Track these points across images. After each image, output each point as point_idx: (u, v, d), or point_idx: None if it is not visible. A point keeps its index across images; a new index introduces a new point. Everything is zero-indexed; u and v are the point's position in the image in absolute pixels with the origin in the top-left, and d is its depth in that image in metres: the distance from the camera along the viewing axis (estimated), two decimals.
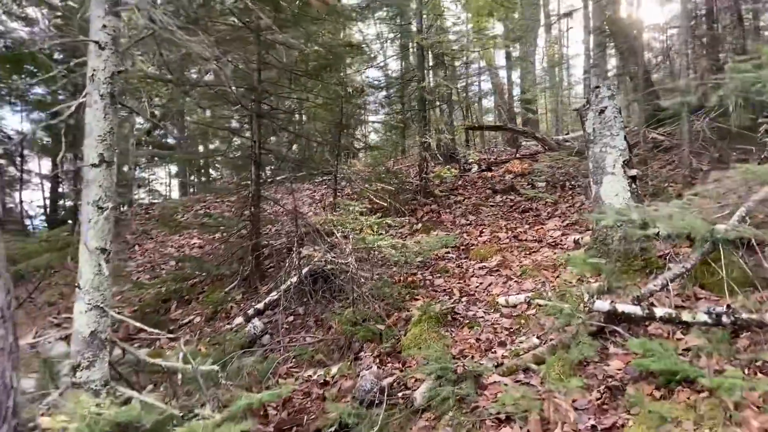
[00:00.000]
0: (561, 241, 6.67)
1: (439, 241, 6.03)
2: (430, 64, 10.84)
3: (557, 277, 5.52)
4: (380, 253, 5.93)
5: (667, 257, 5.23)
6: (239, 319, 6.64)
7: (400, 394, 4.24)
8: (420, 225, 8.57)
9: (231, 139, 8.03)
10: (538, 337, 4.56)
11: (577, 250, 6.09)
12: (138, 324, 3.83)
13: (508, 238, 7.22)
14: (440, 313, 5.16)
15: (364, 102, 10.55)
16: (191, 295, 7.53)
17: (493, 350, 4.58)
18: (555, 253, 6.20)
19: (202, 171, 17.90)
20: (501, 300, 5.34)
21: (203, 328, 6.71)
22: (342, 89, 7.93)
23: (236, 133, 7.76)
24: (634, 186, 5.40)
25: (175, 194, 20.15)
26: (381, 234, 5.52)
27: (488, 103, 29.21)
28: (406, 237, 8.17)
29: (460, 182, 11.04)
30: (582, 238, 6.42)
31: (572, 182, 9.62)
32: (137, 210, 12.99)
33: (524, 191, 9.58)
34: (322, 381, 4.97)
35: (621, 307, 4.30)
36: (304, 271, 6.68)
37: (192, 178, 17.12)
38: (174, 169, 21.02)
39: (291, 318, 6.47)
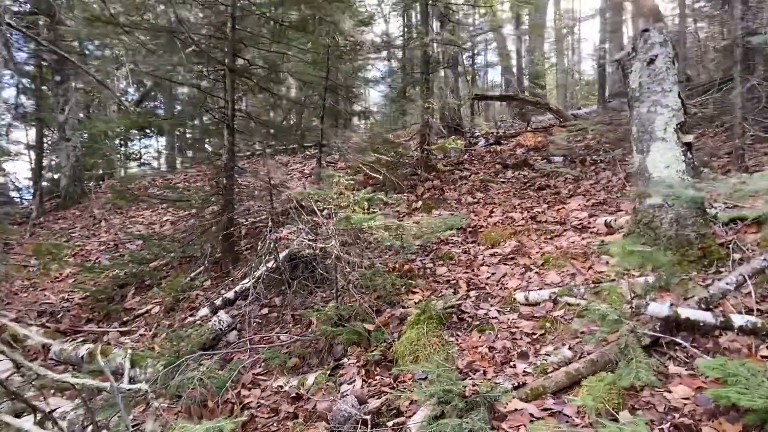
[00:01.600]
0: (588, 223, 5.58)
1: (443, 222, 4.94)
2: (434, 20, 9.63)
3: (589, 268, 4.44)
4: (371, 235, 4.85)
5: (731, 246, 4.15)
6: (204, 311, 5.60)
7: (390, 424, 3.20)
8: (420, 203, 7.48)
9: (202, 100, 6.90)
10: (570, 348, 3.50)
11: (611, 236, 5.00)
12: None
13: (523, 219, 6.13)
14: (443, 311, 4.10)
15: (360, 65, 9.38)
16: (153, 280, 6.47)
17: (511, 363, 3.53)
18: (583, 239, 5.12)
19: (190, 142, 16.76)
20: (519, 296, 4.27)
21: (161, 321, 5.67)
22: (332, 42, 6.78)
23: (200, 88, 6.63)
24: (689, 156, 4.29)
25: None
26: (374, 212, 4.45)
27: (494, 76, 27.99)
28: (403, 216, 7.10)
29: (465, 156, 9.91)
30: (615, 221, 5.33)
31: (594, 157, 8.50)
32: (115, 184, 11.89)
33: (540, 166, 8.47)
34: (294, 394, 3.94)
35: (685, 313, 3.23)
36: (282, 255, 5.62)
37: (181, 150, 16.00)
38: (164, 142, 19.96)
39: (265, 311, 5.43)
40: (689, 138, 4.28)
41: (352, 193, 4.59)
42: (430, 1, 9.07)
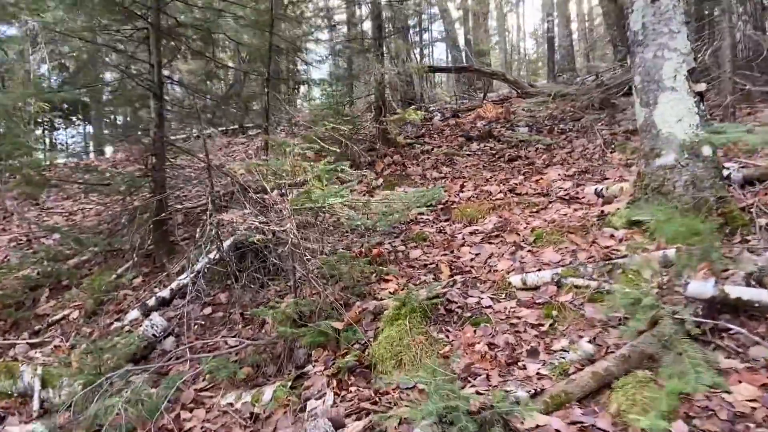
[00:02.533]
0: (576, 194, 4.97)
1: (415, 198, 4.19)
2: None
3: (592, 243, 3.80)
4: (333, 216, 4.06)
5: (753, 210, 3.59)
6: (134, 314, 4.68)
7: None
8: (381, 180, 6.72)
9: (124, 66, 5.87)
10: (591, 342, 2.84)
11: (608, 204, 4.38)
12: None
13: (501, 192, 5.47)
14: (427, 302, 3.37)
15: (305, 31, 8.46)
16: (72, 279, 5.47)
17: (519, 364, 2.84)
18: (576, 211, 4.49)
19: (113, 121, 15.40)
20: (514, 279, 3.58)
21: (81, 328, 4.71)
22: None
23: (115, 49, 5.61)
24: (702, 107, 3.69)
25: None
26: (335, 188, 3.66)
27: (438, 53, 27.42)
28: (364, 195, 6.33)
29: (423, 130, 9.20)
30: (606, 189, 4.73)
31: (562, 125, 7.95)
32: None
33: (507, 138, 7.85)
34: (248, 414, 3.15)
35: (735, 292, 2.62)
36: (227, 243, 4.76)
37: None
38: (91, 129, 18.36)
39: (208, 310, 4.57)
40: (702, 87, 3.68)
41: (309, 165, 3.78)
42: None
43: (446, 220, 5.17)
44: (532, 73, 32.87)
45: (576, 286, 3.32)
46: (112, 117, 15.43)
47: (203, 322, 4.45)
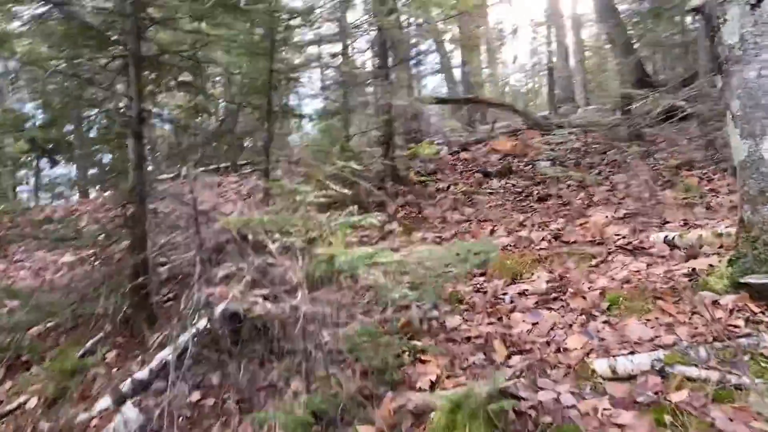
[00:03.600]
0: (640, 243, 4.14)
1: (463, 254, 3.35)
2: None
3: (693, 313, 2.96)
4: (358, 281, 3.22)
5: None
6: (105, 402, 3.76)
7: None
8: (395, 224, 5.89)
9: (102, 100, 5.07)
10: None
11: (694, 259, 3.56)
12: None
13: (544, 239, 4.64)
14: (490, 402, 2.50)
15: (305, 61, 7.74)
16: (34, 355, 4.54)
17: None
18: (649, 265, 3.66)
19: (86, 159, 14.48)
20: (599, 365, 2.72)
21: (38, 421, 3.78)
22: (276, 21, 5.14)
23: (92, 82, 4.81)
24: None
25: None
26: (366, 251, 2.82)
27: (432, 85, 27.00)
28: (377, 242, 5.50)
29: (433, 166, 8.43)
30: (679, 236, 3.92)
31: (589, 160, 7.20)
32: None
33: (528, 173, 7.09)
34: None
35: None
36: (219, 309, 3.89)
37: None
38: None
39: (196, 396, 3.66)
40: None
41: (328, 217, 2.96)
42: None
43: (482, 275, 4.33)
44: (526, 105, 32.60)
45: (689, 378, 2.47)
46: (98, 157, 14.58)
47: (190, 414, 3.54)
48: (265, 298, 3.07)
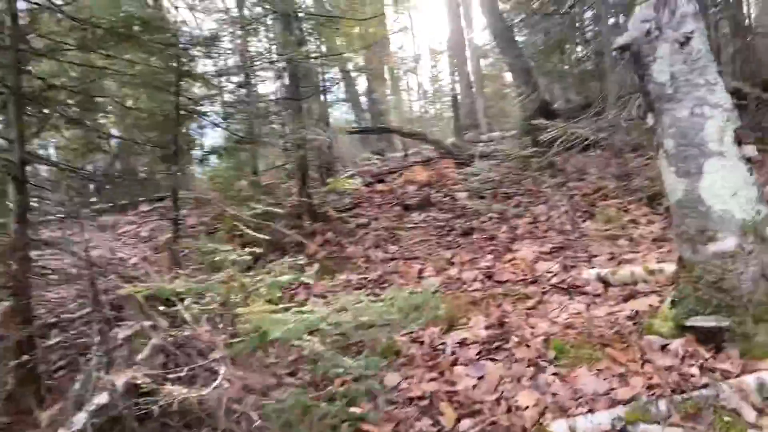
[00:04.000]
0: (573, 280, 4.06)
1: (405, 305, 3.05)
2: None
3: (643, 361, 2.84)
4: (289, 348, 2.85)
5: None
6: None
7: None
8: (316, 266, 5.53)
9: None
10: None
11: (633, 300, 3.49)
12: None
13: (475, 279, 4.47)
14: None
15: (213, 93, 7.25)
16: None
17: None
18: (588, 305, 3.55)
19: None
20: (557, 427, 2.51)
21: None
22: (176, 53, 4.69)
23: None
24: (753, 175, 2.94)
25: None
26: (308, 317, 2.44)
27: (338, 113, 26.97)
28: (298, 289, 5.14)
29: (350, 199, 8.16)
30: (611, 273, 3.87)
31: (505, 190, 7.22)
32: None
33: (448, 205, 7.00)
34: None
35: None
36: (120, 382, 3.35)
37: None
38: None
39: None
40: (750, 150, 2.93)
41: (249, 277, 2.57)
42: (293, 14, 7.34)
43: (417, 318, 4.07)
44: (431, 131, 33.34)
45: None
46: None
47: None
48: (179, 378, 2.62)
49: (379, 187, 8.75)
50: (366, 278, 5.08)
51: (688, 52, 2.96)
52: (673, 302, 3.04)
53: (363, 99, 22.16)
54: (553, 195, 6.28)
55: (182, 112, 5.27)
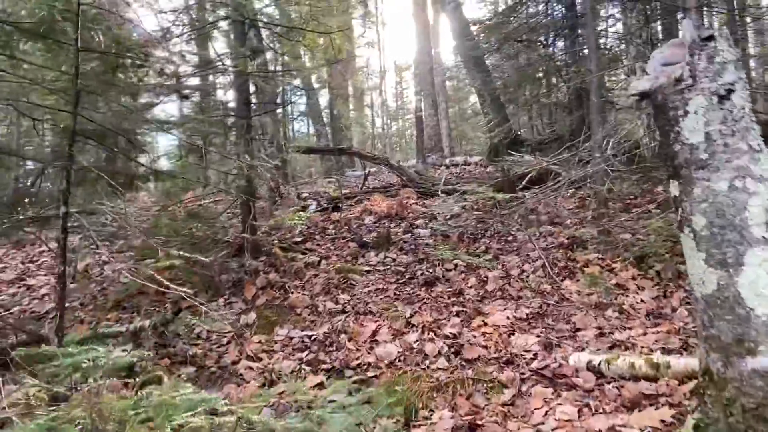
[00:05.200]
0: (557, 365, 3.37)
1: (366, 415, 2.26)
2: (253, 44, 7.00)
3: None
4: None
5: None
6: None
7: None
8: (253, 315, 4.71)
9: None
10: None
11: (638, 411, 2.80)
12: None
13: (439, 352, 3.73)
14: None
15: (148, 102, 6.35)
16: None
17: None
18: (579, 407, 2.86)
19: None
20: None
21: None
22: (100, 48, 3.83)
23: None
24: None
25: None
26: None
27: (299, 126, 26.18)
28: (229, 344, 4.32)
29: (300, 228, 7.35)
30: (606, 363, 3.20)
31: (471, 231, 6.56)
32: None
33: (409, 245, 6.28)
34: None
35: None
36: None
37: None
38: None
39: None
40: None
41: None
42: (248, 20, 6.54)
43: (366, 402, 3.30)
44: (393, 149, 32.77)
45: None
46: None
47: None
48: None
49: (335, 216, 7.97)
50: (310, 336, 4.29)
51: (728, 109, 2.32)
52: (696, 427, 2.37)
53: (325, 113, 21.42)
54: (525, 242, 5.63)
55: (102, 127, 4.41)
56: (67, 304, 4.83)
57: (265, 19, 6.87)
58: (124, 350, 3.15)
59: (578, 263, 4.95)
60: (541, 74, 11.14)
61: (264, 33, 7.70)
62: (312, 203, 9.21)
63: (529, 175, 7.28)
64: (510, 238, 6.12)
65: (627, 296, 4.20)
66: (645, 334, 3.58)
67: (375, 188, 10.17)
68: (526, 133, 14.43)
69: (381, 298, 4.87)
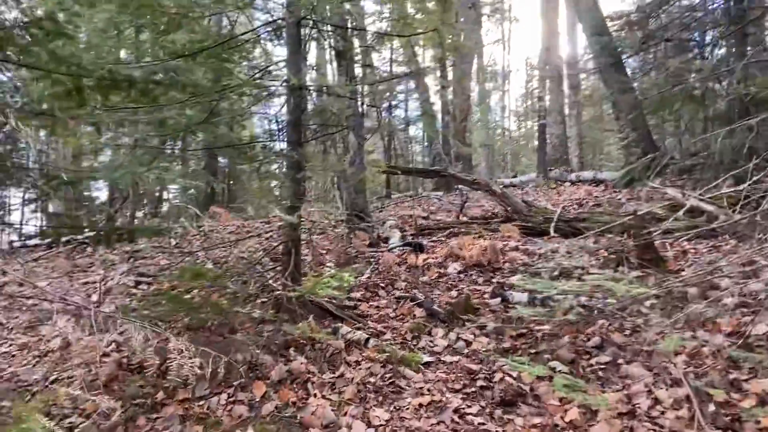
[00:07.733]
0: None
1: None
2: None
3: None
4: None
5: None
6: None
7: None
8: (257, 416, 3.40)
9: None
10: None
11: None
12: None
13: None
14: None
15: None
16: None
17: None
18: None
19: None
20: None
21: None
22: None
23: None
24: None
25: None
26: None
27: (416, 131, 24.83)
28: None
29: (365, 277, 5.97)
30: None
31: (586, 302, 4.78)
32: None
33: (495, 319, 4.66)
34: None
35: None
36: None
37: None
38: None
39: None
40: None
41: None
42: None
43: None
44: (515, 156, 30.47)
45: None
46: None
47: None
48: None
49: (412, 259, 6.48)
50: None
51: None
52: None
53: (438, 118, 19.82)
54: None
55: None
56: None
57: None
58: None
59: (750, 394, 3.07)
60: (697, 85, 8.79)
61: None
62: (395, 234, 7.82)
63: (668, 221, 5.36)
64: (637, 330, 4.29)
65: None
66: None
67: (474, 218, 8.54)
68: (668, 147, 11.91)
69: (432, 426, 3.33)
